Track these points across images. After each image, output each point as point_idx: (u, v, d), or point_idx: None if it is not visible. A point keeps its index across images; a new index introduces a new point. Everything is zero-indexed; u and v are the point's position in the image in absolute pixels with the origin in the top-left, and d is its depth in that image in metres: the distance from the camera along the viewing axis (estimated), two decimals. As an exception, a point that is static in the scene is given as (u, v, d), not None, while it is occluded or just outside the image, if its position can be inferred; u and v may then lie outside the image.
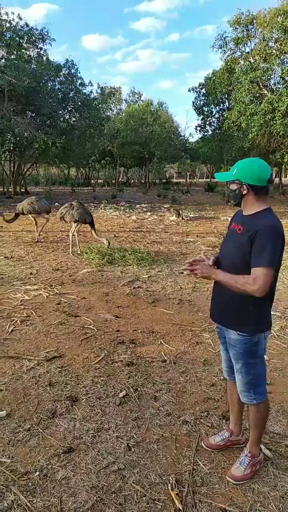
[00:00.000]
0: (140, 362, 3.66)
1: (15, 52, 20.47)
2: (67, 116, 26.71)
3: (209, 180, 50.07)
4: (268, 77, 20.30)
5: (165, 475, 2.27)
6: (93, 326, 4.49)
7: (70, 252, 8.51)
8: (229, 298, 2.12)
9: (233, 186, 2.10)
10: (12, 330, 4.33)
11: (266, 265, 1.92)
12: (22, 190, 29.89)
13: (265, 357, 3.63)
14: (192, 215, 16.86)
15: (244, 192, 2.08)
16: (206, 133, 34.85)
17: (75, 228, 8.68)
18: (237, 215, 2.29)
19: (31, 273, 6.80)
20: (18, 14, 26.16)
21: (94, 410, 2.89)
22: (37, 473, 2.27)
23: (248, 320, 2.11)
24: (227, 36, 20.80)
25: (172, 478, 2.23)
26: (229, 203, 2.39)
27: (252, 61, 19.69)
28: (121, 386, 3.23)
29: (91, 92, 27.70)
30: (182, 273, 7.02)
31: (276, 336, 4.30)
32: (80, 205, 8.59)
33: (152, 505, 2.06)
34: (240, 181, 2.07)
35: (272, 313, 4.91)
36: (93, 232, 8.70)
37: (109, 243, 8.55)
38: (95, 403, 2.98)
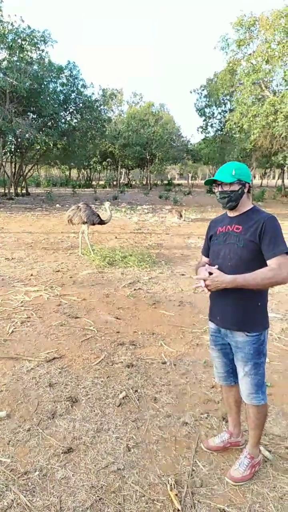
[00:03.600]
0: (140, 363, 3.67)
1: (17, 54, 20.54)
2: (69, 118, 26.85)
3: (210, 181, 50.07)
4: (271, 79, 20.34)
5: (165, 476, 2.28)
6: (93, 328, 4.50)
7: (91, 252, 8.50)
8: (236, 299, 2.11)
9: (235, 187, 2.12)
10: (12, 331, 4.35)
11: (285, 251, 2.00)
12: (23, 191, 29.99)
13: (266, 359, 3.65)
14: (194, 217, 16.88)
15: (246, 190, 2.16)
16: (208, 135, 34.95)
17: (87, 230, 8.70)
18: (220, 220, 2.33)
19: (31, 275, 6.82)
20: (21, 17, 26.34)
21: (94, 411, 2.90)
22: (37, 472, 2.28)
23: (256, 318, 2.14)
24: (229, 38, 20.86)
25: (171, 478, 2.24)
26: (226, 206, 2.35)
27: (254, 62, 19.72)
28: (121, 387, 3.24)
29: (93, 93, 27.82)
30: (183, 274, 7.03)
31: (277, 339, 4.29)
32: (87, 206, 8.63)
33: (151, 505, 2.07)
34: (241, 180, 2.12)
35: (273, 315, 4.95)
36: (105, 222, 8.76)
37: (109, 204, 8.77)
38: (95, 404, 2.99)
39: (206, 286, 2.08)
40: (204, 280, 2.07)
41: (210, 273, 2.08)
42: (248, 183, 2.17)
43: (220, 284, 2.03)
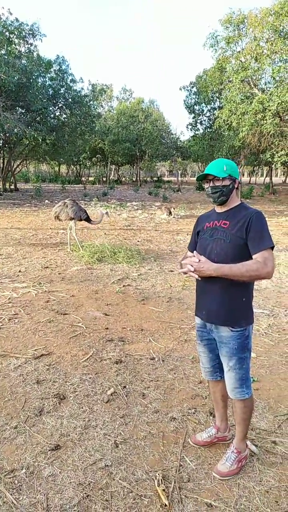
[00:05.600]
0: (129, 359, 3.67)
1: (4, 47, 20.20)
2: (58, 113, 26.54)
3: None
4: (259, 77, 20.43)
5: (152, 472, 2.28)
6: (82, 324, 4.48)
7: (80, 248, 8.44)
8: (221, 294, 2.13)
9: (226, 182, 2.13)
10: None
11: (270, 246, 2.02)
12: (12, 187, 29.63)
13: (253, 354, 3.68)
14: (183, 214, 16.91)
15: (236, 186, 2.18)
16: (197, 132, 34.99)
17: (74, 226, 8.64)
18: (208, 215, 2.34)
19: (19, 271, 6.75)
20: (8, 9, 25.92)
21: (82, 408, 2.89)
22: (24, 470, 2.26)
23: (241, 314, 2.15)
24: (219, 35, 20.86)
25: (159, 474, 2.24)
26: (217, 200, 2.36)
27: (243, 60, 19.77)
28: (109, 383, 3.23)
29: (82, 88, 27.51)
30: (172, 271, 7.04)
31: (264, 334, 4.34)
32: (73, 202, 8.57)
33: (139, 501, 2.07)
34: (232, 176, 2.14)
35: (260, 311, 4.99)
36: (91, 224, 8.73)
37: (107, 213, 8.69)
38: (83, 400, 2.98)
39: (194, 271, 2.08)
40: (192, 265, 2.09)
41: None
42: (237, 179, 2.18)
43: (206, 270, 2.03)
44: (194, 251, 2.20)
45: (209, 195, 2.20)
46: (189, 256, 2.31)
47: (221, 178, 2.12)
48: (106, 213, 8.80)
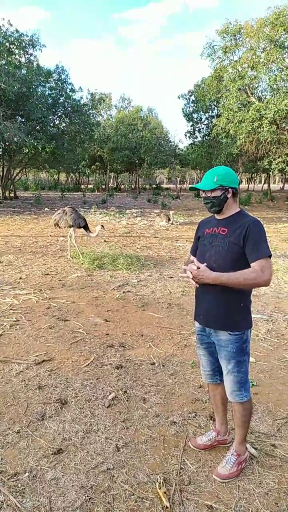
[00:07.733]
0: (129, 365, 3.70)
1: (5, 58, 20.45)
2: (57, 122, 26.79)
3: (198, 186, 50.33)
4: (256, 85, 20.71)
5: (153, 475, 2.31)
6: (82, 330, 4.52)
7: (80, 255, 8.49)
8: (219, 299, 2.18)
9: (217, 193, 2.18)
10: (1, 335, 4.34)
11: (268, 254, 2.07)
12: (11, 195, 29.75)
13: (252, 359, 3.72)
14: (182, 220, 16.99)
15: (229, 195, 2.21)
16: (195, 139, 35.25)
17: (74, 233, 8.71)
18: (208, 221, 2.40)
19: (20, 278, 6.79)
20: (9, 20, 26.07)
21: (83, 412, 2.92)
22: (27, 474, 2.29)
23: (239, 318, 2.20)
24: (216, 45, 21.19)
25: (160, 477, 2.27)
26: (210, 210, 2.41)
27: (240, 69, 20.04)
28: (110, 388, 3.27)
29: (81, 97, 27.83)
30: (171, 277, 7.09)
31: (263, 339, 4.38)
32: (73, 210, 8.64)
33: (140, 503, 2.10)
34: (223, 186, 2.17)
35: (259, 316, 5.03)
36: (88, 233, 8.78)
37: (102, 226, 8.73)
38: (84, 405, 3.01)
39: (192, 278, 2.16)
40: (191, 272, 2.15)
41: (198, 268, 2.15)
42: (232, 188, 2.20)
43: (205, 279, 2.10)
44: (194, 258, 2.25)
45: (204, 205, 2.29)
46: (191, 260, 2.37)
47: (209, 190, 2.18)
48: (102, 226, 8.86)
